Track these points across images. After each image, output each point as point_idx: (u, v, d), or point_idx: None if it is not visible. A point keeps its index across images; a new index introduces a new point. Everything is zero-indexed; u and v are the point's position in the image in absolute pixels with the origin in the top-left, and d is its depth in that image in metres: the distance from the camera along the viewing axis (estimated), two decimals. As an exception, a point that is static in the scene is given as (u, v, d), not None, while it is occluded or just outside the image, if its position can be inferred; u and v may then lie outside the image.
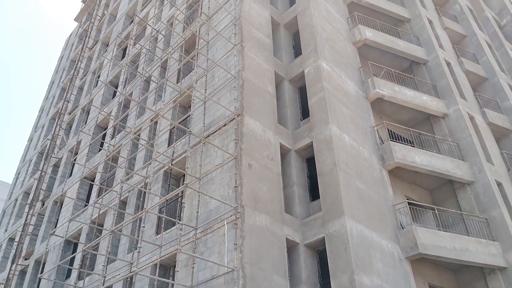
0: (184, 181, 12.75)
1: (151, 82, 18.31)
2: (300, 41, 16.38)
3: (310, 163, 13.91)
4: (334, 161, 12.43)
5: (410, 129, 16.62)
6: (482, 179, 15.35)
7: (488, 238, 14.11)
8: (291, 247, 11.78)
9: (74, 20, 40.16)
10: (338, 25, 17.97)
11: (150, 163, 14.44)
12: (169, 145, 14.92)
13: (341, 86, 15.26)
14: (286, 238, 11.48)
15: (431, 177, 15.55)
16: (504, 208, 14.75)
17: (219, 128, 12.67)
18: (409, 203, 14.18)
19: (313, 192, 13.31)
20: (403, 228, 13.20)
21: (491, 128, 18.46)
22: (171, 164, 13.68)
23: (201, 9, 16.58)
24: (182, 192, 12.96)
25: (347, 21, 18.98)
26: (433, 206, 14.72)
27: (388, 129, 16.15)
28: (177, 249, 9.45)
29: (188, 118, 13.60)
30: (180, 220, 11.69)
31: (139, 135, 17.04)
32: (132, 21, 25.52)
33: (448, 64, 19.45)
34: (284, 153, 13.68)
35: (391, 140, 15.18)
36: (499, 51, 23.10)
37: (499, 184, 15.77)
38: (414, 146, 15.72)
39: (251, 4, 16.03)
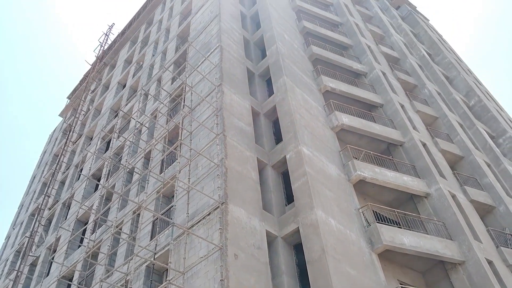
0: (167, 276, 12.16)
1: (134, 173, 18.30)
2: (280, 128, 16.94)
3: (298, 249, 13.57)
4: (322, 247, 12.16)
5: (395, 210, 16.65)
6: (472, 258, 15.11)
7: (488, 322, 13.49)
8: None
9: (59, 115, 41.04)
10: (315, 112, 18.79)
11: (131, 258, 13.86)
12: (151, 238, 14.49)
13: (323, 170, 15.50)
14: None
15: (422, 258, 15.25)
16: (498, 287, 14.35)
17: (203, 218, 12.47)
18: (402, 288, 13.70)
19: (303, 281, 12.79)
20: (399, 316, 12.58)
21: (474, 205, 18.63)
22: (154, 259, 13.15)
23: (184, 102, 17.23)
24: (165, 288, 12.29)
25: (323, 108, 19.89)
26: (427, 290, 14.24)
27: (373, 211, 16.13)
28: None
29: (171, 209, 13.39)
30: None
31: (120, 229, 16.57)
32: (116, 115, 26.22)
33: (424, 144, 20.15)
34: (271, 240, 13.38)
35: (377, 222, 15.08)
36: (471, 130, 24.19)
37: (490, 262, 15.51)
38: (401, 227, 15.61)
39: (231, 96, 16.79)
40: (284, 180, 15.92)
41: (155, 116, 20.24)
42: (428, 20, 42.99)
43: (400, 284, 14.23)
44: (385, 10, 37.61)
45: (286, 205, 15.04)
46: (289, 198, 15.06)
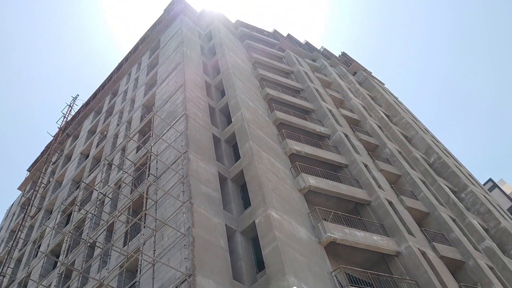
0: None
1: (96, 248, 17.36)
2: (248, 193, 16.81)
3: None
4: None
5: (368, 271, 16.38)
6: (449, 317, 14.82)
7: None
8: None
9: (18, 189, 39.32)
10: (282, 175, 18.89)
11: None
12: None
13: (293, 234, 15.26)
14: None
15: (399, 321, 14.83)
16: None
17: (170, 292, 11.77)
18: None
19: None
20: None
21: (444, 261, 18.65)
22: None
23: (149, 171, 16.96)
24: None
25: (290, 170, 20.06)
26: None
27: (346, 273, 15.80)
28: None
29: (135, 285, 12.60)
30: None
31: (81, 309, 15.34)
32: (78, 187, 25.35)
33: (390, 202, 20.44)
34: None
35: (351, 285, 14.73)
36: (434, 186, 24.87)
37: (466, 321, 15.25)
38: (375, 289, 15.29)
39: (198, 162, 16.71)
40: (254, 246, 15.51)
41: (119, 187, 19.71)
42: (383, 84, 45.65)
43: None
44: (343, 76, 39.79)
45: (257, 273, 14.52)
46: (260, 265, 14.58)
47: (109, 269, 14.81)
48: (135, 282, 12.76)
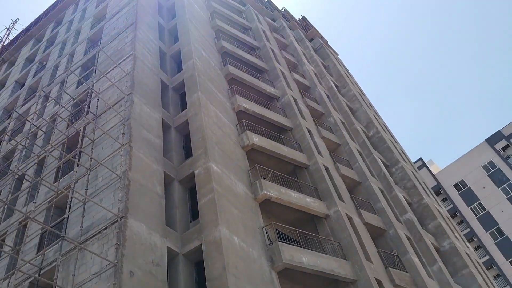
0: (52, 294, 11.04)
1: (25, 181, 16.58)
2: (191, 143, 16.67)
3: (199, 267, 13.24)
4: (223, 265, 12.01)
5: (296, 229, 17.15)
6: (363, 277, 16.05)
7: (374, 338, 14.32)
8: None
9: None
10: (227, 130, 18.88)
11: (13, 273, 12.35)
12: (38, 252, 13.11)
13: (231, 188, 15.49)
14: None
15: (318, 277, 15.82)
16: (385, 306, 15.37)
17: (99, 232, 11.62)
18: (298, 306, 14.01)
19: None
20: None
21: (367, 228, 19.95)
22: (39, 275, 11.88)
23: (88, 108, 16.20)
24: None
25: (236, 127, 20.08)
26: (322, 308, 14.75)
27: (276, 230, 16.45)
28: None
29: (63, 222, 12.27)
30: None
31: (3, 240, 14.79)
32: (10, 116, 23.78)
33: (327, 169, 21.26)
34: (172, 257, 12.89)
35: (279, 241, 15.37)
36: (369, 158, 26.14)
37: (379, 282, 16.60)
38: (301, 246, 16.08)
39: (142, 106, 16.19)
40: (190, 196, 15.59)
41: (54, 121, 18.71)
42: (337, 54, 46.22)
43: (297, 302, 14.55)
44: (300, 40, 39.69)
45: (191, 221, 14.69)
46: (195, 214, 14.75)
47: (37, 203, 14.28)
48: (64, 218, 12.42)
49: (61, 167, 15.28)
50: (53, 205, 13.80)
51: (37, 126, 18.68)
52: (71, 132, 16.29)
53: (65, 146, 15.78)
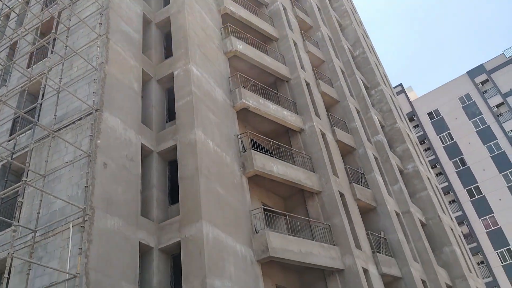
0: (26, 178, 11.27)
1: (-4, 64, 15.93)
2: (171, 42, 16.09)
3: (172, 166, 13.63)
4: (196, 166, 12.38)
5: (271, 140, 17.57)
6: (328, 190, 16.99)
7: (330, 243, 15.60)
8: (144, 251, 11.29)
9: None
10: (211, 33, 18.20)
11: (-15, 156, 12.45)
12: (10, 135, 13.09)
13: (210, 93, 15.40)
14: (140, 243, 10.96)
15: (286, 186, 16.63)
16: (345, 217, 16.52)
17: (73, 122, 11.58)
18: (264, 209, 14.89)
19: (173, 196, 13.05)
20: (257, 233, 13.77)
21: (339, 145, 20.63)
22: (11, 158, 12.00)
23: (65, -8, 15.12)
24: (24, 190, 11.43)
25: (220, 31, 19.34)
26: (285, 213, 15.73)
27: (251, 139, 16.81)
28: (8, 254, 8.25)
29: (37, 109, 12.11)
30: (17, 221, 10.26)
31: (-27, 124, 14.61)
32: (-22, -7, 22.01)
33: (308, 84, 21.22)
34: (146, 154, 13.16)
35: (252, 149, 15.80)
36: (351, 78, 26.12)
37: (342, 195, 17.63)
38: (273, 156, 16.63)
39: (122, -4, 15.20)
40: (168, 96, 15.46)
41: (28, 3, 17.51)
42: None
43: (263, 206, 15.43)
44: None
45: (167, 122, 14.77)
46: (171, 115, 14.77)
47: (9, 88, 13.92)
48: (36, 105, 12.24)
49: (34, 52, 14.65)
50: (26, 91, 13.49)
51: (10, 7, 17.47)
52: (46, 16, 15.36)
53: (39, 31, 14.99)
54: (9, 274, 9.11)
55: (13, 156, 12.16)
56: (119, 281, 9.61)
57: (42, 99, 12.35)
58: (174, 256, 11.74)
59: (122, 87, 12.87)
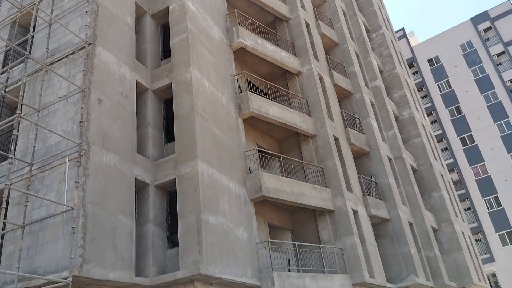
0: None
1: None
2: (166, -25, 15.34)
3: (167, 104, 13.56)
4: (192, 105, 12.31)
5: (268, 82, 17.37)
6: (323, 133, 17.09)
7: (322, 185, 15.97)
8: (140, 187, 11.53)
9: None
10: (208, -34, 17.30)
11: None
12: (3, 68, 12.83)
13: (206, 30, 14.96)
14: (136, 179, 11.15)
15: (281, 128, 16.70)
16: (338, 160, 16.78)
17: (66, 56, 11.31)
18: (259, 151, 15.05)
19: (168, 135, 13.11)
20: (251, 173, 14.03)
21: (336, 89, 20.46)
22: (5, 91, 11.85)
23: None
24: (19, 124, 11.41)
25: (218, -36, 18.40)
26: (280, 155, 15.94)
27: (247, 80, 16.61)
28: (5, 185, 8.39)
29: (28, 41, 11.75)
30: (13, 154, 10.34)
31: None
32: None
33: (308, 25, 20.62)
34: (141, 92, 13.03)
35: (249, 91, 15.66)
36: (352, 19, 25.36)
37: (336, 139, 17.78)
38: (269, 99, 16.53)
39: None
40: (163, 32, 15.02)
41: None
42: None
43: (258, 147, 15.58)
44: None
45: (162, 59, 14.47)
46: (166, 52, 14.44)
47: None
48: (28, 38, 11.86)
49: (23, -18, 13.96)
50: (17, 23, 13.00)
51: None
52: None
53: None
54: (7, 205, 9.33)
55: (6, 90, 12.00)
56: (116, 214, 9.89)
57: (33, 31, 11.94)
58: (169, 193, 12.02)
59: (115, 21, 12.44)
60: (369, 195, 17.92)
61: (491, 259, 38.22)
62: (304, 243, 14.63)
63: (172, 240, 11.53)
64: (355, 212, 16.24)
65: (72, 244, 8.48)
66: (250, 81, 16.93)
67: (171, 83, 13.06)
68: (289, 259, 14.91)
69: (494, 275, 37.92)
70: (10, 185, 8.62)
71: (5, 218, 9.46)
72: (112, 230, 9.58)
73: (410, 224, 19.38)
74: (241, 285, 11.55)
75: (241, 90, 15.98)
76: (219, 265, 10.60)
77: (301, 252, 14.75)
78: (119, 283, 9.43)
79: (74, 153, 9.72)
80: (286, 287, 12.18)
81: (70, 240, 8.57)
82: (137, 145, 12.08)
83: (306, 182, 15.48)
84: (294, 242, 14.82)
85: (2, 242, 9.53)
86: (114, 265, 9.30)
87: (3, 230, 9.49)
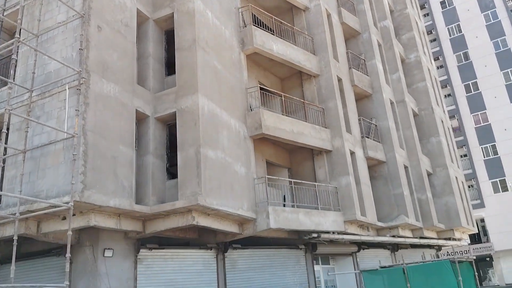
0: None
1: None
2: None
3: (169, 35, 13.21)
4: (194, 37, 11.99)
5: (273, 17, 16.79)
6: (326, 73, 16.84)
7: (321, 126, 16.02)
8: (141, 119, 11.56)
9: None
10: None
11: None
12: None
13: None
14: (136, 110, 11.15)
15: (284, 66, 16.42)
16: (339, 101, 16.70)
17: (64, -21, 10.82)
18: (260, 88, 14.92)
19: (169, 67, 12.91)
20: (251, 110, 14.01)
21: (343, 28, 19.83)
22: (3, 15, 11.49)
23: None
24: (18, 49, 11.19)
25: None
26: (281, 93, 15.82)
27: (252, 13, 16.04)
28: (6, 110, 8.41)
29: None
30: (13, 80, 10.25)
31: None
32: None
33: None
34: (142, 21, 12.63)
35: (253, 25, 15.18)
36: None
37: (339, 80, 17.56)
38: (274, 34, 16.07)
39: None
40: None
41: None
42: None
43: (260, 85, 15.42)
44: None
45: None
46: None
47: None
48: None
49: None
50: None
51: None
52: None
53: None
54: (7, 130, 9.41)
55: (4, 13, 11.63)
56: (117, 144, 10.01)
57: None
58: (169, 125, 12.08)
59: None
60: (367, 137, 18.06)
61: (481, 205, 39.34)
62: (300, 181, 14.98)
63: (171, 172, 11.79)
64: (352, 153, 16.46)
65: (73, 171, 8.67)
66: (255, 15, 16.36)
67: (173, 12, 12.62)
68: (284, 195, 15.35)
69: (482, 220, 39.25)
70: (11, 110, 8.63)
71: (6, 143, 9.59)
72: (112, 159, 9.75)
73: (406, 167, 19.72)
74: (237, 217, 12.00)
75: (245, 24, 15.49)
76: (217, 197, 10.93)
77: (296, 189, 15.15)
78: (120, 210, 9.77)
79: (74, 81, 9.62)
80: (280, 220, 12.66)
81: (71, 167, 8.75)
82: (138, 77, 11.94)
83: (306, 121, 15.51)
84: (290, 179, 15.17)
85: (4, 166, 9.73)
86: (115, 192, 9.58)
87: (4, 155, 9.65)
